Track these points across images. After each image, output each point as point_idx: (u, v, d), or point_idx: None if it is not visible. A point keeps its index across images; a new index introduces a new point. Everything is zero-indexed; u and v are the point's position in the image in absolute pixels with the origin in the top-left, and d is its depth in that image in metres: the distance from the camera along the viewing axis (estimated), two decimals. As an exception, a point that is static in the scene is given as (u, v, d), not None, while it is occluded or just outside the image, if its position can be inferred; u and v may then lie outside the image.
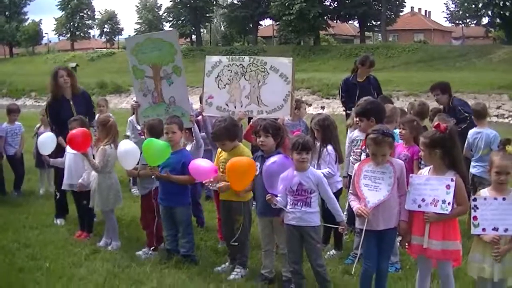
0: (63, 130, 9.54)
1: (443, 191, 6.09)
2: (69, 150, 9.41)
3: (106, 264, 8.10)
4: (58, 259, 8.33)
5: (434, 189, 6.16)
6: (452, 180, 6.08)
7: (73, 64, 66.68)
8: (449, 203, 6.03)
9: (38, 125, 13.03)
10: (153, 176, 8.15)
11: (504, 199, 5.92)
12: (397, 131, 8.40)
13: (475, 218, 5.96)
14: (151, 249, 8.56)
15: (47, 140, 9.70)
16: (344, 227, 6.99)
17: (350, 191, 6.79)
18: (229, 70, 9.33)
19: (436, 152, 6.17)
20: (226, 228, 7.97)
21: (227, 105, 9.32)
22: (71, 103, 10.24)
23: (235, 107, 9.30)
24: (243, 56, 9.59)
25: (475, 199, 6.02)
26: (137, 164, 8.43)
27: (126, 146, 8.38)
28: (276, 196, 6.75)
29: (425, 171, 6.49)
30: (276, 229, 7.31)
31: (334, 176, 8.15)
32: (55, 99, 10.38)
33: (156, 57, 9.51)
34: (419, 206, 6.21)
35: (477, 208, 5.97)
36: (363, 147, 7.30)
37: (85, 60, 75.67)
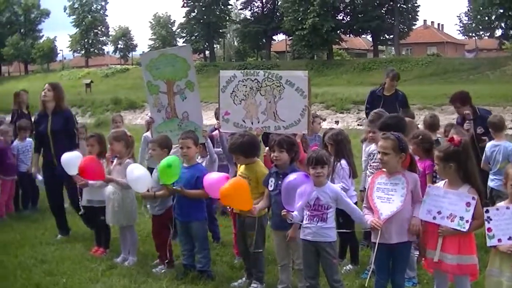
0: (40, 145, 10.18)
1: (463, 207, 6.04)
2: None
3: (122, 280, 8.10)
4: (75, 275, 8.35)
5: (452, 204, 6.11)
6: (473, 198, 6.03)
7: (88, 81, 67.15)
8: (467, 221, 5.99)
9: None
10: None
11: (507, 208, 5.89)
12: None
13: (489, 229, 5.93)
14: (167, 263, 8.56)
15: (71, 160, 9.64)
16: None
17: (364, 205, 6.78)
18: (244, 85, 9.23)
19: (450, 166, 6.14)
20: (240, 244, 8.00)
21: (244, 121, 9.26)
22: (50, 118, 10.30)
23: (252, 123, 9.22)
24: (257, 71, 9.45)
25: (487, 211, 5.99)
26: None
27: (137, 171, 8.36)
28: (292, 211, 6.72)
29: (441, 184, 6.46)
30: (291, 244, 7.30)
31: (348, 191, 8.11)
32: (40, 113, 10.56)
33: (170, 72, 9.56)
34: (434, 217, 6.19)
35: (491, 219, 5.94)
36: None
37: (99, 77, 76.09)
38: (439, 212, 6.16)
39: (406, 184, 6.36)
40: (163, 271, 8.45)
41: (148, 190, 8.40)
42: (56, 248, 9.78)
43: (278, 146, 7.19)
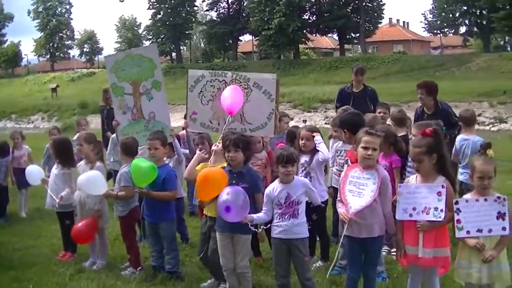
0: None
1: (434, 198, 6.09)
2: (53, 170, 9.39)
3: (91, 283, 8.00)
4: (42, 281, 8.22)
5: (424, 197, 6.15)
6: (443, 186, 6.09)
7: (54, 85, 66.66)
8: (441, 210, 6.03)
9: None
10: (136, 191, 8.11)
11: (485, 199, 5.92)
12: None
13: (458, 221, 5.95)
14: (138, 269, 8.48)
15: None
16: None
17: (338, 199, 6.77)
18: (212, 85, 9.08)
19: (434, 157, 6.17)
20: (202, 244, 7.89)
21: (211, 122, 9.11)
22: None
23: (218, 124, 9.08)
24: (226, 72, 9.33)
25: (457, 202, 6.01)
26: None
27: (84, 178, 8.32)
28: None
29: (412, 179, 6.48)
30: (237, 247, 7.10)
31: (321, 187, 8.21)
32: None
33: (135, 73, 9.48)
34: (410, 215, 6.19)
35: (460, 211, 5.96)
36: (347, 158, 7.29)
37: (65, 81, 75.55)
38: (414, 209, 6.18)
39: (378, 179, 6.37)
40: (132, 273, 8.37)
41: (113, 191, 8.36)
42: (22, 254, 9.66)
43: (233, 146, 7.01)
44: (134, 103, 9.61)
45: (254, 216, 6.73)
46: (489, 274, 5.90)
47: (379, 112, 10.25)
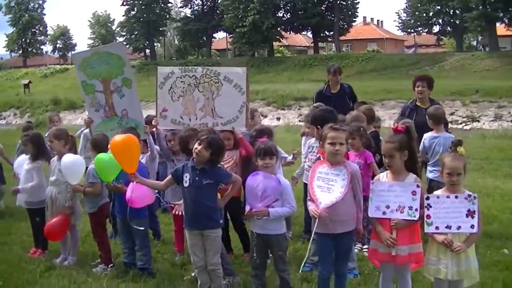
0: None
1: (409, 197, 6.11)
2: (24, 165, 9.34)
3: (62, 280, 7.95)
4: (11, 278, 8.15)
5: (398, 196, 6.17)
6: (418, 186, 6.11)
7: (26, 81, 66.07)
8: (416, 209, 6.06)
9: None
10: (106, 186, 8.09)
11: (456, 197, 5.96)
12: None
13: (428, 216, 5.99)
14: (110, 266, 8.44)
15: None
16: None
17: (308, 198, 6.77)
18: (182, 81, 9.10)
19: (405, 154, 6.20)
20: None
21: (181, 118, 9.12)
22: None
23: (190, 119, 9.10)
24: (195, 67, 9.37)
25: (428, 198, 6.05)
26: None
27: (67, 159, 8.26)
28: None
29: (382, 176, 6.49)
30: (207, 243, 7.04)
31: None
32: None
33: (105, 71, 9.43)
34: (384, 213, 6.20)
35: (430, 206, 6.00)
36: (319, 154, 7.30)
37: (38, 77, 74.91)
38: (387, 207, 6.19)
39: (347, 175, 6.39)
40: (103, 270, 8.32)
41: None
42: (-8, 251, 9.56)
43: (206, 143, 6.84)
44: (105, 100, 9.57)
45: (279, 210, 6.75)
46: (458, 270, 5.96)
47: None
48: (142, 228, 7.92)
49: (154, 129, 9.48)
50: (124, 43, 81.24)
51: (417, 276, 7.03)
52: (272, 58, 71.94)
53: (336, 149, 6.41)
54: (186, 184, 6.97)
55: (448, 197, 6.02)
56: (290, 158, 9.39)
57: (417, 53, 74.91)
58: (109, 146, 7.51)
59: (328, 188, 6.43)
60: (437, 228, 5.96)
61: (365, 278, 7.64)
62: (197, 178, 6.87)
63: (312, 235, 6.48)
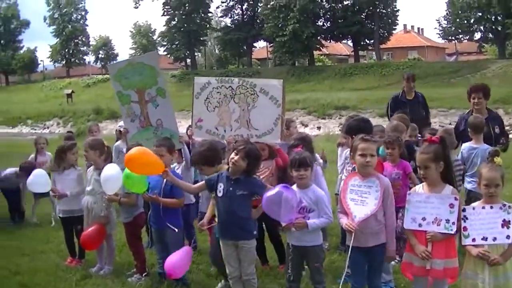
0: None
1: (446, 210, 5.98)
2: (56, 175, 9.52)
3: (97, 289, 8.02)
4: (48, 286, 8.27)
5: (435, 208, 6.03)
6: (456, 199, 5.97)
7: (69, 91, 66.96)
8: (453, 223, 5.92)
9: (32, 155, 13.15)
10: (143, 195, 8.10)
11: (491, 207, 5.83)
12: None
13: (465, 228, 5.87)
14: (144, 274, 8.47)
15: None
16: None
17: (338, 209, 6.70)
18: (218, 92, 9.10)
19: (441, 165, 6.08)
20: (217, 252, 7.70)
21: (217, 128, 9.12)
22: None
23: (225, 130, 9.09)
24: (232, 78, 9.34)
25: (464, 210, 5.93)
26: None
27: (109, 171, 8.30)
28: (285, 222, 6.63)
29: (419, 188, 6.37)
30: (241, 254, 7.03)
31: None
32: None
33: (139, 81, 9.52)
34: (420, 225, 6.07)
35: (467, 218, 5.88)
36: (354, 165, 7.21)
37: (80, 87, 75.81)
38: (423, 219, 6.06)
39: (380, 187, 6.31)
40: (138, 280, 8.35)
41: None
42: (30, 259, 9.72)
43: (244, 154, 6.84)
44: (141, 110, 9.64)
45: (317, 221, 6.67)
46: (496, 285, 5.78)
47: None
48: (176, 230, 7.90)
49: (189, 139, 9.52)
50: (165, 52, 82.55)
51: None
52: (313, 67, 71.71)
53: (367, 161, 6.34)
54: (219, 194, 6.95)
55: (483, 207, 5.89)
56: (321, 161, 9.33)
57: (459, 60, 74.12)
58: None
59: (362, 201, 6.35)
60: (473, 240, 5.83)
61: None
62: (231, 189, 6.85)
63: (350, 250, 6.38)
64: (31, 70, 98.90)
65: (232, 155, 6.88)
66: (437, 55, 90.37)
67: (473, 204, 6.09)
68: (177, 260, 7.40)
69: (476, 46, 78.25)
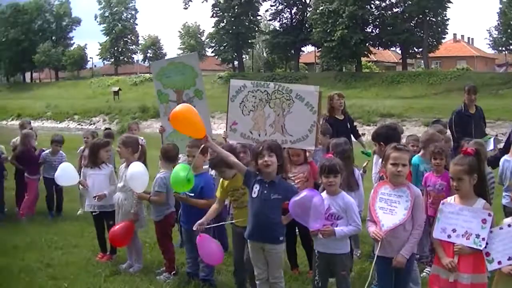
0: None
1: (478, 224, 5.87)
2: (90, 171, 9.62)
3: (124, 286, 8.12)
4: (77, 280, 8.40)
5: (467, 221, 5.93)
6: (489, 215, 5.86)
7: (116, 89, 67.77)
8: (483, 239, 5.81)
9: (82, 148, 13.26)
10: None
11: (509, 225, 5.73)
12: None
13: (487, 254, 5.77)
14: (172, 273, 8.52)
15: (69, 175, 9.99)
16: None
17: (367, 218, 6.62)
18: (253, 96, 9.08)
19: (475, 178, 5.99)
20: (238, 255, 7.82)
21: (251, 132, 9.09)
22: None
23: (259, 135, 9.04)
24: (268, 82, 9.29)
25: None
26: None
27: (134, 169, 8.38)
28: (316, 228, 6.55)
29: (450, 199, 6.27)
30: (269, 258, 7.00)
31: None
32: None
33: (179, 81, 9.61)
34: (449, 236, 5.99)
35: (487, 243, 5.77)
36: (381, 174, 7.13)
37: (128, 85, 76.52)
38: (453, 230, 5.97)
39: (411, 197, 6.23)
40: (167, 278, 8.41)
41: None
42: (63, 253, 9.89)
43: (267, 150, 6.80)
44: None
45: (345, 229, 6.58)
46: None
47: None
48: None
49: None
50: (213, 54, 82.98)
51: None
52: (360, 74, 71.26)
53: (399, 170, 6.28)
54: (254, 195, 6.90)
55: (501, 228, 5.79)
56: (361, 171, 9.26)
57: (508, 71, 72.87)
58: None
59: (390, 210, 6.28)
60: (499, 263, 5.72)
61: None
62: (265, 192, 6.81)
63: (375, 258, 6.33)
64: (81, 66, 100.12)
65: (260, 161, 6.81)
66: (486, 66, 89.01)
67: (506, 221, 5.96)
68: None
69: (528, 57, 77.01)
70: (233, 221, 7.55)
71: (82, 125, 55.93)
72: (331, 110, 11.25)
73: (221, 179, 7.84)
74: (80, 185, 10.01)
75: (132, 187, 8.49)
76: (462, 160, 6.06)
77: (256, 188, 6.90)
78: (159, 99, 9.90)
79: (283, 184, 6.94)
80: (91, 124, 55.99)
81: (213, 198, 8.04)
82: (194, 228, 7.42)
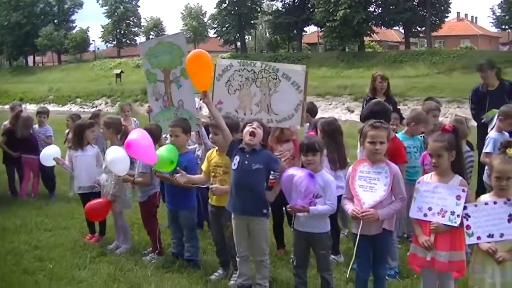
0: None
1: (453, 201, 5.86)
2: (76, 152, 9.59)
3: (110, 267, 8.12)
4: (63, 261, 8.41)
5: (442, 198, 5.93)
6: (463, 190, 5.86)
7: (118, 71, 67.73)
8: (458, 216, 5.80)
9: (67, 131, 13.20)
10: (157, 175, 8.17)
11: (495, 203, 5.68)
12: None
13: (468, 227, 5.72)
14: (156, 253, 8.54)
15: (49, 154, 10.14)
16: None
17: (344, 195, 6.61)
18: (240, 75, 9.04)
19: (453, 155, 5.99)
20: (217, 235, 7.83)
21: (236, 111, 9.02)
22: None
23: (244, 114, 9.00)
24: (254, 62, 9.25)
25: (465, 207, 5.78)
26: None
27: (113, 153, 8.34)
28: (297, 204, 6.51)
29: (427, 177, 6.27)
30: (253, 232, 7.01)
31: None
32: None
33: (166, 60, 9.54)
34: (425, 215, 5.98)
35: (469, 216, 5.73)
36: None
37: (130, 67, 76.45)
38: (429, 209, 5.97)
39: (390, 174, 6.22)
40: (152, 259, 8.42)
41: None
42: (52, 235, 9.91)
43: (258, 122, 6.94)
44: (165, 90, 9.67)
45: (319, 208, 6.53)
46: (504, 281, 5.64)
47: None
48: None
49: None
50: (215, 35, 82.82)
51: (462, 286, 6.71)
52: (362, 53, 71.02)
53: (376, 148, 6.25)
54: (234, 167, 6.93)
55: (486, 203, 5.74)
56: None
57: (512, 50, 72.56)
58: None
59: (370, 187, 6.27)
60: (478, 238, 5.68)
61: (413, 283, 7.31)
62: (246, 162, 6.84)
63: (358, 236, 6.31)
64: (83, 49, 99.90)
65: (248, 127, 6.88)
66: (490, 45, 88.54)
67: (476, 201, 5.94)
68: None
69: (532, 35, 76.60)
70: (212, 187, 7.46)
71: (84, 108, 55.92)
72: (373, 91, 11.04)
73: (207, 155, 7.85)
74: (58, 164, 10.03)
75: (114, 171, 8.49)
76: (442, 137, 6.06)
77: (237, 159, 6.92)
78: (147, 79, 9.87)
79: (264, 152, 6.97)
80: (93, 107, 55.87)
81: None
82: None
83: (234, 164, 6.92)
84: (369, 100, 10.45)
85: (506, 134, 8.68)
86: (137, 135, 7.55)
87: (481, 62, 11.42)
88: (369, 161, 6.37)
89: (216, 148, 7.71)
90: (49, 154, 10.09)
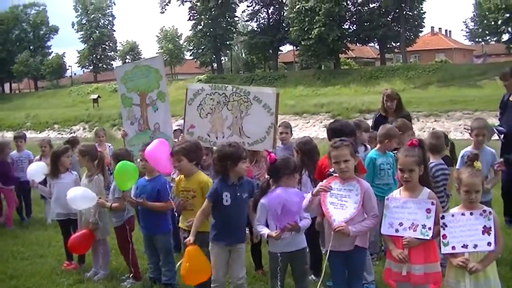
0: None
1: (423, 215, 5.93)
2: (52, 180, 9.58)
3: (87, 294, 8.08)
4: (39, 290, 8.33)
5: (412, 213, 5.99)
6: (432, 203, 5.93)
7: (95, 96, 67.52)
8: (429, 228, 5.87)
9: (37, 157, 13.09)
10: (125, 203, 8.17)
11: (471, 213, 5.74)
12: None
13: (444, 236, 5.78)
14: (133, 277, 8.55)
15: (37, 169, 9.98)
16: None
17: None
18: (211, 99, 9.14)
19: (422, 169, 6.07)
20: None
21: (208, 135, 9.15)
22: None
23: (216, 137, 9.12)
24: (226, 85, 9.37)
25: (443, 217, 5.84)
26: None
27: (69, 195, 8.46)
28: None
29: (396, 193, 6.31)
30: (235, 257, 7.02)
31: None
32: None
33: (143, 84, 9.64)
34: (397, 230, 6.02)
35: (446, 226, 5.79)
36: (331, 169, 7.12)
37: (107, 92, 76.25)
38: (400, 224, 6.01)
39: (360, 191, 6.28)
40: (129, 284, 8.40)
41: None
42: (28, 263, 9.83)
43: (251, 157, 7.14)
44: (141, 113, 9.71)
45: (304, 222, 6.65)
46: (477, 290, 5.70)
47: None
48: None
49: None
50: (191, 57, 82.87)
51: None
52: (338, 70, 71.46)
53: (341, 168, 6.32)
54: (227, 203, 6.86)
55: (463, 214, 5.80)
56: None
57: (487, 62, 73.21)
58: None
59: (341, 205, 6.31)
60: (453, 248, 5.74)
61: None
62: (238, 194, 6.88)
63: (328, 253, 6.36)
64: (60, 75, 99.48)
65: (243, 164, 6.95)
66: (464, 58, 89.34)
67: (452, 211, 6.00)
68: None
69: (504, 48, 77.37)
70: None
71: (62, 134, 55.47)
72: (383, 108, 11.06)
73: (176, 181, 7.89)
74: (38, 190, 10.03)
75: (85, 206, 8.51)
76: (413, 152, 6.11)
77: (227, 196, 6.87)
78: (122, 103, 9.93)
79: (246, 180, 7.08)
80: (71, 133, 55.50)
81: (169, 200, 7.99)
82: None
83: (226, 201, 6.86)
84: (378, 117, 10.55)
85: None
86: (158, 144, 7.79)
87: (504, 70, 10.95)
88: (340, 179, 6.42)
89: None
90: (36, 169, 10.00)
